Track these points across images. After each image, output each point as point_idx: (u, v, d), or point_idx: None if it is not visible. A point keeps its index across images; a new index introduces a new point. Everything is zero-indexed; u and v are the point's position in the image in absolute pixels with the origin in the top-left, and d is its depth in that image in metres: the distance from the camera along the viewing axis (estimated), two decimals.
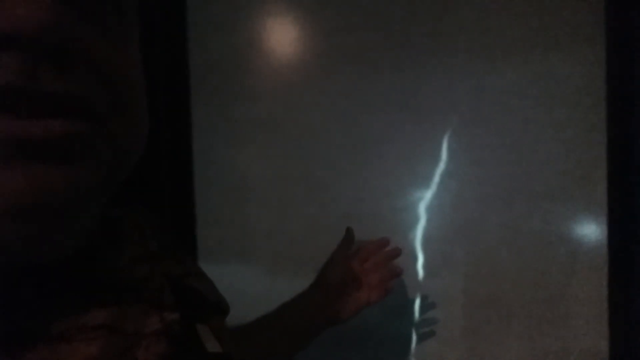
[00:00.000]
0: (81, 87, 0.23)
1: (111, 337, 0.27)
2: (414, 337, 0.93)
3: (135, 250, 0.33)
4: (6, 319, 0.25)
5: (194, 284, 0.36)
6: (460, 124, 0.92)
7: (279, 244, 0.97)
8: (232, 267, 0.98)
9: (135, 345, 0.28)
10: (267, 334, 0.67)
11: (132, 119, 0.27)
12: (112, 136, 0.26)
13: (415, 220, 0.93)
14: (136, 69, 0.28)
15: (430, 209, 0.93)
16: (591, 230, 0.88)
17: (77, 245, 0.27)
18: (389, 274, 0.75)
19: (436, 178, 0.92)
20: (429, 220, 0.92)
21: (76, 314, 0.26)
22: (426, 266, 0.92)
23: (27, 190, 0.22)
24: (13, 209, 0.22)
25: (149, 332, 0.29)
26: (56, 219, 0.24)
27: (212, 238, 0.97)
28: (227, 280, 0.97)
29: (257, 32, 0.97)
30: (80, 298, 0.27)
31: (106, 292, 0.29)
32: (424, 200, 0.93)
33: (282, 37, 0.98)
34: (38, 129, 0.22)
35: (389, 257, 0.75)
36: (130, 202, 0.85)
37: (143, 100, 0.29)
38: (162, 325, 0.30)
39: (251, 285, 0.96)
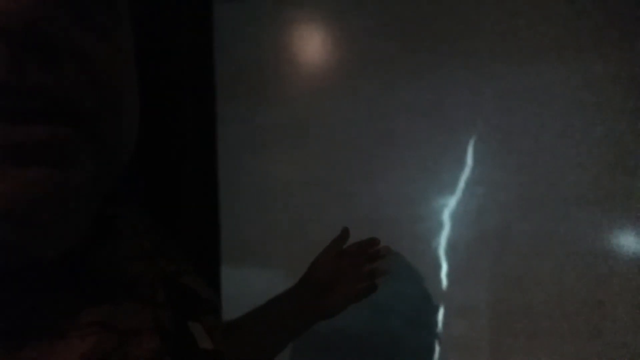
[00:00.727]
0: (67, 83, 0.23)
1: (105, 334, 0.27)
2: (437, 349, 0.90)
3: (129, 248, 0.33)
4: (2, 316, 0.25)
5: (187, 282, 0.36)
6: (486, 128, 0.89)
7: (302, 249, 0.97)
8: (255, 271, 0.98)
9: (129, 341, 0.28)
10: (255, 327, 0.68)
11: (121, 118, 0.27)
12: (100, 136, 0.25)
13: (440, 227, 0.91)
14: (127, 70, 0.28)
15: (454, 216, 0.90)
16: (627, 239, 0.83)
17: (71, 244, 0.27)
18: (377, 271, 0.74)
19: (461, 184, 0.90)
20: (453, 228, 0.90)
21: (71, 311, 0.27)
22: (450, 275, 0.90)
23: (17, 194, 0.22)
24: (3, 212, 0.22)
25: (142, 328, 0.29)
26: (47, 221, 0.24)
27: (236, 242, 0.98)
28: (250, 284, 0.98)
29: (281, 40, 0.99)
30: (74, 295, 0.28)
31: (100, 289, 0.29)
32: (449, 207, 0.90)
33: (306, 44, 0.99)
34: (25, 135, 0.22)
35: (376, 254, 0.75)
36: (154, 205, 0.87)
37: (133, 102, 0.29)
38: (155, 322, 0.30)
39: (274, 289, 0.96)
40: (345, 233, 0.76)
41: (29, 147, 0.22)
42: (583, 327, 0.84)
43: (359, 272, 0.73)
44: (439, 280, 0.90)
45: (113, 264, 0.31)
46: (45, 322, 0.26)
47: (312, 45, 0.98)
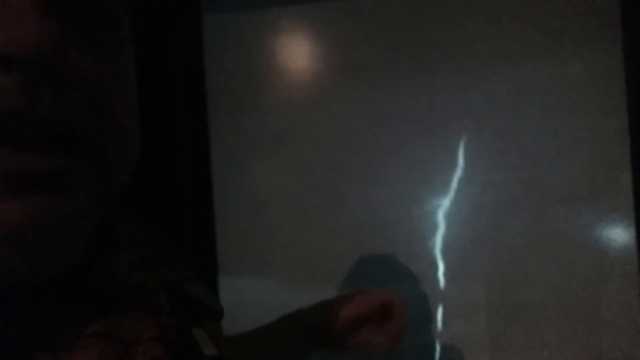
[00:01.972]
0: (76, 111, 0.23)
1: (109, 344, 0.27)
2: (437, 347, 0.91)
3: (130, 257, 0.33)
4: (5, 328, 0.25)
5: (189, 289, 0.37)
6: (476, 129, 0.91)
7: (297, 255, 0.97)
8: (251, 279, 0.98)
9: (133, 351, 0.28)
10: (261, 340, 0.67)
11: (124, 139, 0.28)
12: (104, 159, 0.26)
13: (434, 227, 0.92)
14: (130, 94, 0.29)
15: (449, 216, 0.91)
16: (618, 234, 0.85)
17: (72, 261, 0.27)
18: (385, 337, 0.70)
19: (454, 184, 0.91)
20: (448, 228, 0.91)
21: (74, 322, 0.27)
22: (447, 274, 0.91)
23: (21, 222, 0.22)
24: (4, 238, 0.22)
25: (145, 337, 0.29)
26: (50, 246, 0.25)
27: (231, 251, 0.98)
28: (246, 292, 0.98)
29: (272, 48, 0.99)
30: (77, 306, 0.28)
31: (103, 299, 0.29)
32: (443, 207, 0.92)
33: (296, 52, 1.00)
34: (29, 163, 0.22)
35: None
36: (145, 215, 0.87)
37: (135, 126, 0.29)
38: (159, 330, 0.30)
39: (270, 296, 0.96)
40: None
41: (32, 176, 0.22)
42: (578, 322, 0.86)
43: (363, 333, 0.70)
44: (436, 280, 0.91)
45: (114, 274, 0.31)
46: (48, 334, 0.26)
47: (302, 53, 0.99)
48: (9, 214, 0.22)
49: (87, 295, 0.29)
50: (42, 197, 0.23)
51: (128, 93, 0.28)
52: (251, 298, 0.96)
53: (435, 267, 0.91)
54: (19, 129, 0.22)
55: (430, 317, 0.91)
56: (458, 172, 0.91)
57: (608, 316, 0.85)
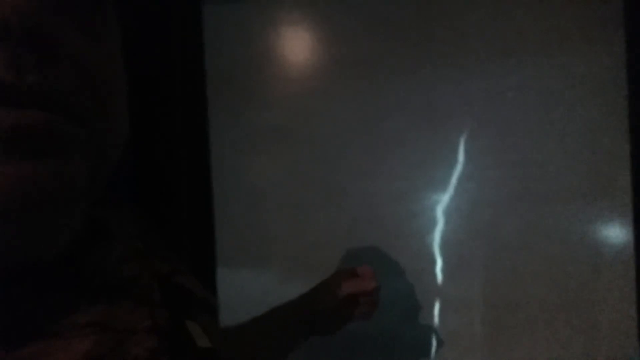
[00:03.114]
0: (63, 83, 0.24)
1: (103, 334, 0.27)
2: (433, 342, 0.92)
3: (123, 249, 0.33)
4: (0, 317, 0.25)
5: (182, 282, 0.37)
6: (477, 125, 0.90)
7: (296, 249, 0.97)
8: (249, 272, 0.98)
9: (127, 341, 0.28)
10: (256, 329, 0.69)
11: (113, 121, 0.28)
12: (94, 136, 0.26)
13: (433, 223, 0.92)
14: (117, 71, 0.29)
15: (447, 212, 0.91)
16: (616, 232, 0.85)
17: (64, 244, 0.27)
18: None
19: (453, 181, 0.91)
20: (446, 224, 0.91)
21: (68, 312, 0.27)
22: (444, 270, 0.91)
23: (16, 185, 0.22)
24: (1, 205, 0.22)
25: (139, 328, 0.30)
26: (43, 216, 0.24)
27: (230, 244, 0.98)
28: (245, 285, 0.98)
29: (272, 41, 0.99)
30: (71, 296, 0.28)
31: (96, 290, 0.29)
32: (441, 203, 0.92)
33: (296, 45, 0.99)
34: (21, 118, 0.22)
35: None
36: (148, 208, 0.86)
37: (123, 103, 0.29)
38: (152, 321, 0.31)
39: (268, 289, 0.97)
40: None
41: (22, 135, 0.22)
42: (575, 318, 0.86)
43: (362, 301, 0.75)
44: (434, 276, 0.91)
45: (107, 266, 0.31)
46: (43, 322, 0.26)
47: (302, 46, 0.99)
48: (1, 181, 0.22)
49: (81, 286, 0.29)
50: (33, 161, 0.23)
51: (115, 70, 0.28)
52: (249, 292, 0.96)
53: (433, 263, 0.92)
54: (5, 97, 0.22)
55: (427, 311, 0.92)
56: (458, 169, 0.91)
57: (603, 315, 0.85)
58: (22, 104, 0.22)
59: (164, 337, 0.31)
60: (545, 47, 0.88)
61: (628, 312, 0.84)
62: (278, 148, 0.99)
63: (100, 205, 0.32)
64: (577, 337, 0.86)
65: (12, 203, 0.23)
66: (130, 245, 0.35)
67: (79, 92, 0.25)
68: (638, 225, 0.83)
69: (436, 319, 0.92)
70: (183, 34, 0.94)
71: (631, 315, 0.84)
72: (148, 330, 0.30)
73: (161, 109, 0.91)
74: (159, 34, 0.88)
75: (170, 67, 0.93)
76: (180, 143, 0.95)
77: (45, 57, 0.23)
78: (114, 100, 0.28)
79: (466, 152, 0.91)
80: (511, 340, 0.89)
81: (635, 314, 0.84)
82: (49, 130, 0.23)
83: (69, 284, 0.28)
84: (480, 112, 0.90)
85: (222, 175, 0.99)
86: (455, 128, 0.91)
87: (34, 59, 0.22)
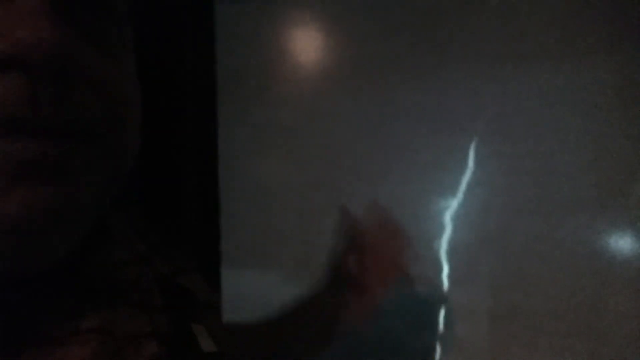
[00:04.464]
0: (80, 109, 0.23)
1: (103, 340, 0.27)
2: (438, 350, 0.91)
3: (123, 252, 0.33)
4: (0, 322, 0.25)
5: (184, 283, 0.37)
6: (488, 131, 0.89)
7: (302, 251, 0.97)
8: (255, 273, 0.98)
9: (126, 347, 0.28)
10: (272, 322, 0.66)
11: (126, 136, 0.28)
12: (108, 152, 0.26)
13: (441, 229, 0.91)
14: (132, 85, 0.28)
15: (456, 218, 0.90)
16: (626, 242, 0.84)
17: (67, 254, 0.27)
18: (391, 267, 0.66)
19: (462, 186, 0.90)
20: (454, 230, 0.90)
21: (68, 318, 0.27)
22: (451, 276, 0.90)
23: (24, 213, 0.22)
24: (9, 229, 0.22)
25: (139, 334, 0.29)
26: (54, 237, 0.25)
27: (235, 244, 0.98)
28: (250, 286, 0.98)
29: (283, 40, 0.98)
30: (72, 301, 0.28)
31: (96, 295, 0.29)
32: (450, 209, 0.91)
33: (307, 45, 0.99)
34: (35, 150, 0.22)
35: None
36: (154, 207, 0.86)
37: (137, 117, 0.29)
38: (153, 326, 0.30)
39: (274, 290, 0.96)
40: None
41: (35, 163, 0.22)
42: (583, 329, 0.85)
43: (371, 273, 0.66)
44: (441, 282, 0.91)
45: (108, 269, 0.31)
46: (43, 328, 0.26)
47: (313, 46, 0.98)
48: (9, 206, 0.22)
49: (81, 291, 0.29)
50: (46, 187, 0.23)
51: (129, 84, 0.28)
52: (254, 292, 0.96)
53: (440, 269, 0.91)
54: (20, 129, 0.22)
55: (433, 318, 0.91)
56: (467, 174, 0.90)
57: (612, 326, 0.84)
58: (35, 134, 0.22)
59: (164, 343, 0.30)
60: (560, 52, 0.87)
61: (636, 322, 0.83)
62: (286, 149, 0.98)
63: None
64: (585, 347, 0.85)
65: (21, 225, 0.22)
66: (132, 247, 0.35)
67: (96, 114, 0.24)
68: None
69: (441, 326, 0.91)
70: (194, 33, 0.94)
71: (639, 326, 0.83)
72: (148, 336, 0.30)
73: (170, 108, 0.91)
74: (170, 32, 0.88)
75: (181, 66, 0.93)
76: (189, 142, 0.95)
77: (63, 88, 0.22)
78: (128, 115, 0.27)
79: (476, 157, 0.90)
80: (518, 349, 0.88)
81: None
82: (60, 158, 0.23)
83: (70, 289, 0.28)
84: (491, 117, 0.89)
85: (230, 175, 0.99)
86: (466, 133, 0.90)
87: (52, 89, 0.22)
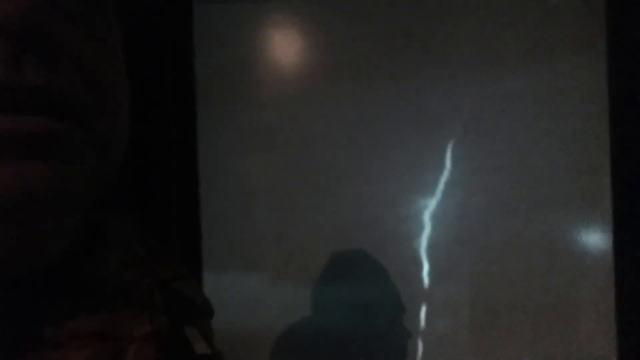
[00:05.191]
0: (64, 83, 0.24)
1: (101, 343, 0.27)
2: (420, 345, 0.92)
3: (122, 255, 0.33)
4: None
5: (181, 288, 0.37)
6: (464, 132, 0.92)
7: (283, 251, 0.97)
8: (236, 274, 0.98)
9: (125, 349, 0.28)
10: None
11: (115, 122, 0.28)
12: (96, 137, 0.26)
13: (420, 228, 0.93)
14: (119, 72, 0.29)
15: (435, 217, 0.92)
16: (597, 237, 0.87)
17: (62, 250, 0.27)
18: None
19: (441, 186, 0.92)
20: (433, 228, 0.92)
21: (66, 321, 0.27)
22: (431, 274, 0.92)
23: (15, 186, 0.22)
24: (1, 212, 0.22)
25: (138, 336, 0.29)
26: (42, 219, 0.24)
27: (216, 245, 0.97)
28: (231, 287, 0.97)
29: (263, 42, 0.99)
30: (69, 305, 0.28)
31: (95, 297, 0.29)
32: (429, 208, 0.93)
33: (288, 47, 0.99)
34: (22, 124, 0.22)
35: None
36: (130, 208, 0.85)
37: (126, 105, 0.29)
38: (152, 328, 0.30)
39: (255, 291, 0.96)
40: None
41: (27, 140, 0.22)
42: (558, 321, 0.88)
43: None
44: (421, 280, 0.92)
45: (106, 272, 0.31)
46: (40, 332, 0.26)
47: (293, 48, 0.99)
48: (1, 180, 0.22)
49: (79, 294, 0.28)
50: (35, 162, 0.23)
51: (117, 71, 0.28)
52: (236, 295, 0.96)
53: (420, 267, 0.93)
54: (7, 99, 0.22)
55: (414, 315, 0.93)
56: (445, 174, 0.92)
57: (585, 318, 0.88)
58: (23, 106, 0.22)
59: (163, 345, 0.30)
60: (533, 57, 0.90)
61: (607, 316, 0.86)
62: (267, 150, 0.99)
63: (99, 209, 0.32)
64: (560, 337, 0.88)
65: (9, 204, 0.22)
66: (130, 250, 0.35)
67: (81, 93, 0.24)
68: (618, 231, 0.86)
69: (423, 323, 0.92)
70: (173, 34, 0.93)
71: (611, 317, 0.86)
72: (147, 338, 0.30)
73: (149, 108, 0.90)
74: (149, 33, 0.87)
75: (160, 67, 0.92)
76: (169, 144, 0.94)
77: (46, 56, 0.23)
78: (116, 101, 0.27)
79: (454, 157, 0.92)
80: (496, 343, 0.90)
81: (614, 317, 0.86)
82: (49, 135, 0.23)
83: (68, 292, 0.28)
84: (468, 118, 0.92)
85: (210, 176, 0.98)
86: (444, 133, 0.92)
87: (35, 57, 0.22)
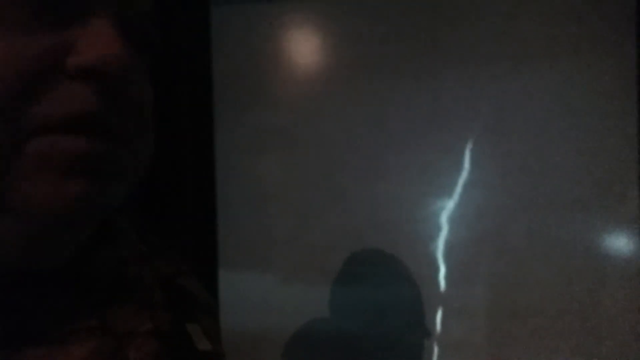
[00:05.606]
0: (123, 114, 0.26)
1: (103, 338, 0.28)
2: (435, 350, 0.91)
3: (125, 251, 0.34)
4: (0, 322, 0.26)
5: (184, 284, 0.37)
6: (483, 131, 0.90)
7: (299, 251, 0.97)
8: (251, 274, 0.98)
9: (127, 344, 0.29)
10: None
11: (150, 140, 0.30)
12: (136, 155, 0.28)
13: (437, 230, 0.91)
14: (151, 93, 0.31)
15: (452, 219, 0.91)
16: (622, 241, 0.84)
17: (75, 249, 0.28)
18: None
19: (458, 187, 0.91)
20: (451, 230, 0.91)
21: (69, 316, 0.27)
22: (448, 277, 0.91)
23: (72, 202, 0.24)
24: (63, 217, 0.24)
25: (140, 331, 0.30)
26: (77, 231, 0.26)
27: (233, 244, 0.98)
28: (246, 286, 0.98)
29: (280, 42, 0.99)
30: (73, 299, 0.28)
31: (98, 293, 0.30)
32: (446, 209, 0.91)
33: (304, 47, 0.99)
34: (71, 145, 0.24)
35: None
36: (152, 208, 0.86)
37: (153, 121, 0.32)
38: (153, 324, 0.31)
39: (270, 291, 0.96)
40: None
41: (85, 160, 0.24)
42: (579, 327, 0.86)
43: None
44: (437, 282, 0.91)
45: (110, 268, 0.32)
46: (43, 327, 0.26)
47: (310, 48, 0.98)
48: (66, 193, 0.24)
49: (83, 289, 0.29)
50: (91, 180, 0.25)
51: (151, 96, 0.30)
52: (252, 294, 0.96)
53: (436, 269, 0.91)
54: (85, 128, 0.24)
55: (429, 318, 0.91)
56: (463, 175, 0.90)
57: (607, 324, 0.85)
58: (77, 131, 0.24)
59: (165, 341, 0.31)
60: (554, 54, 0.88)
61: (631, 323, 0.84)
62: (283, 150, 0.99)
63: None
64: (581, 346, 0.86)
65: (64, 218, 0.24)
66: (132, 247, 0.35)
67: (131, 123, 0.27)
68: None
69: (439, 326, 0.91)
70: (191, 34, 0.94)
71: (633, 326, 0.83)
72: (149, 334, 0.30)
73: (167, 110, 0.91)
74: (166, 34, 0.88)
75: (178, 67, 0.93)
76: (186, 143, 0.94)
77: (121, 94, 0.25)
78: (150, 127, 0.30)
79: (472, 158, 0.90)
80: (515, 349, 0.88)
81: (637, 324, 0.83)
82: (107, 157, 0.25)
83: (71, 287, 0.28)
84: (487, 118, 0.90)
85: (227, 176, 0.99)
86: (462, 134, 0.91)
87: (118, 98, 0.25)
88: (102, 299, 0.29)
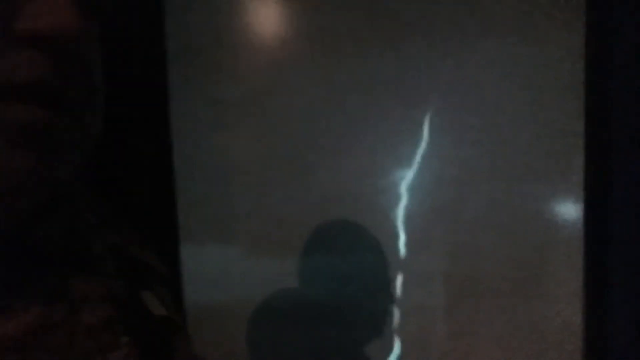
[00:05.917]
0: (71, 84, 0.26)
1: (54, 304, 0.28)
2: (395, 315, 0.95)
3: (74, 221, 0.33)
4: None
5: (135, 253, 0.37)
6: (441, 104, 0.92)
7: (261, 225, 0.97)
8: (213, 248, 0.98)
9: (80, 310, 0.29)
10: None
11: (99, 111, 0.29)
12: (86, 128, 0.27)
13: (397, 199, 0.94)
14: (100, 60, 0.30)
15: (411, 189, 0.93)
16: (568, 209, 0.90)
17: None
18: None
19: (417, 158, 0.93)
20: (410, 200, 0.93)
21: (16, 284, 0.27)
22: (407, 245, 0.94)
23: (17, 175, 0.24)
24: (9, 189, 0.24)
25: (93, 297, 0.30)
26: (19, 204, 0.25)
27: (193, 219, 0.97)
28: (209, 261, 0.98)
29: (239, 11, 0.96)
30: (20, 267, 0.28)
31: (48, 262, 0.29)
32: (406, 180, 0.93)
33: (264, 16, 0.96)
34: (24, 115, 0.24)
35: None
36: (108, 185, 0.84)
37: (104, 93, 0.31)
38: (106, 290, 0.31)
39: (232, 265, 0.97)
40: None
41: (25, 130, 0.24)
42: (529, 290, 0.91)
43: None
44: (397, 250, 0.94)
45: (60, 237, 0.31)
46: None
47: (270, 17, 0.96)
48: (14, 162, 0.24)
49: (33, 258, 0.29)
50: (27, 152, 0.24)
51: (100, 64, 0.30)
52: (214, 267, 0.96)
53: (396, 237, 0.94)
54: (24, 92, 0.24)
55: (390, 284, 0.95)
56: (422, 146, 0.92)
57: (553, 284, 0.91)
58: (24, 99, 0.24)
59: (118, 306, 0.31)
60: (511, 31, 0.90)
61: (577, 283, 0.90)
62: (242, 123, 0.97)
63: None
64: (532, 306, 0.92)
65: (10, 191, 0.24)
66: (80, 217, 0.35)
67: (82, 91, 0.26)
68: (588, 203, 0.88)
69: (399, 291, 0.95)
70: (143, 4, 0.89)
71: (579, 287, 0.90)
72: (103, 299, 0.30)
73: (119, 82, 0.87)
74: (117, 5, 0.83)
75: (130, 37, 0.89)
76: (141, 118, 0.91)
77: (67, 61, 0.25)
78: (100, 93, 0.29)
79: (431, 129, 0.92)
80: (470, 311, 0.93)
81: (582, 286, 0.89)
82: (49, 127, 0.25)
83: (21, 257, 0.28)
84: (445, 90, 0.92)
85: (185, 150, 0.97)
86: (421, 106, 0.92)
87: (64, 68, 0.25)
88: (53, 268, 0.29)
